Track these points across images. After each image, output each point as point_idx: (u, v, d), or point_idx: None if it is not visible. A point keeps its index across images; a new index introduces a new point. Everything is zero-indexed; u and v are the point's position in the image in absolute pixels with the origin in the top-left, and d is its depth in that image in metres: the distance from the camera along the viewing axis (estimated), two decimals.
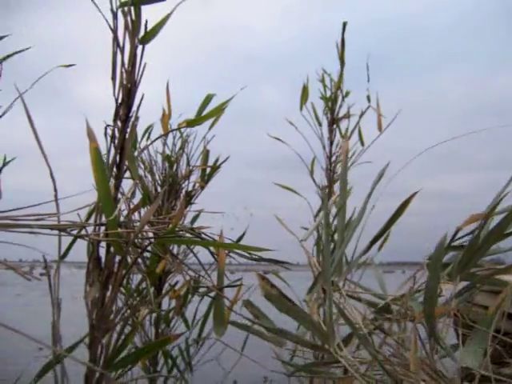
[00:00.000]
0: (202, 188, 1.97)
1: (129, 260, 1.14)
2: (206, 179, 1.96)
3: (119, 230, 0.93)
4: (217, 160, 1.99)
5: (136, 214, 1.47)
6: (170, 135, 1.95)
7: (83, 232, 1.06)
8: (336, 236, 3.04)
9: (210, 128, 1.85)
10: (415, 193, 1.28)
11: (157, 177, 1.91)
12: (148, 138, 1.79)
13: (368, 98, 2.73)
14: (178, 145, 1.92)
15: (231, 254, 1.27)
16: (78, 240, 1.12)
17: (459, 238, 1.14)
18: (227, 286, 1.21)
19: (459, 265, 0.99)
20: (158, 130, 1.90)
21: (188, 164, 1.90)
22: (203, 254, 1.37)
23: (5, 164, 2.06)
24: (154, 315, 1.91)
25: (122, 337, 1.15)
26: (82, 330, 1.20)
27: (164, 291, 1.94)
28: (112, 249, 1.04)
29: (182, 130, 1.97)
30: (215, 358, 2.15)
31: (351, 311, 1.25)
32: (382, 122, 2.70)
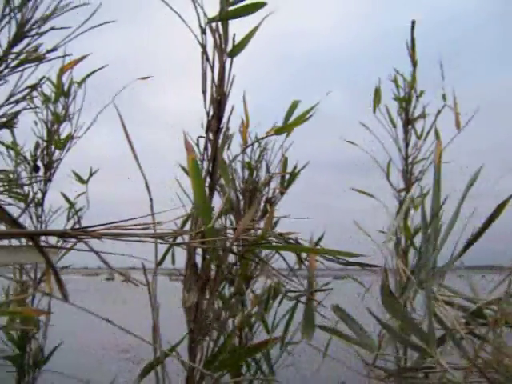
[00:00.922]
0: (282, 194, 2.00)
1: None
2: (285, 185, 1.99)
3: (218, 237, 0.97)
4: (295, 167, 2.01)
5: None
6: (249, 143, 2.00)
7: (179, 240, 1.11)
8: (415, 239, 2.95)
9: (288, 135, 1.88)
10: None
11: (237, 184, 1.96)
12: (228, 147, 1.85)
13: (444, 97, 2.64)
14: (257, 152, 1.96)
15: (318, 259, 1.28)
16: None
17: None
18: (318, 290, 1.22)
19: None
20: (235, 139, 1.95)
21: (268, 171, 1.94)
22: (286, 259, 1.39)
23: (91, 175, 2.20)
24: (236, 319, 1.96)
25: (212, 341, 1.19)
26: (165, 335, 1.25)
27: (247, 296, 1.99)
28: (208, 256, 1.08)
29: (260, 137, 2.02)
30: (292, 363, 2.16)
31: (445, 315, 1.22)
32: (459, 121, 2.60)
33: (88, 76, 1.74)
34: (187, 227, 1.47)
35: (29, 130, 2.05)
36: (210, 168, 1.09)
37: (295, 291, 1.23)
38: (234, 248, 1.05)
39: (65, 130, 2.06)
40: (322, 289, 1.26)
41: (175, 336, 1.28)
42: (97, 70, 1.63)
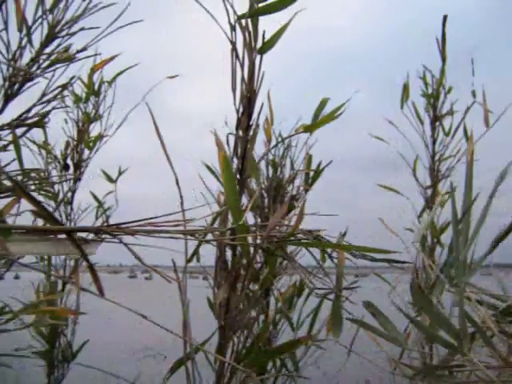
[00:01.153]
0: (306, 191, 1.99)
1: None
2: (309, 183, 1.98)
3: (249, 234, 0.97)
4: (319, 164, 2.00)
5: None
6: (273, 140, 1.99)
7: (209, 237, 1.12)
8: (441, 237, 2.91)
9: (312, 133, 1.87)
10: None
11: (261, 181, 1.96)
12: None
13: (473, 94, 2.59)
14: (281, 150, 1.96)
15: (347, 256, 1.27)
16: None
17: None
18: (347, 288, 1.21)
19: None
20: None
21: (292, 168, 1.93)
22: (309, 257, 1.38)
23: (120, 174, 2.23)
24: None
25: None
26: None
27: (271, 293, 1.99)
28: (238, 252, 1.08)
29: (284, 135, 2.01)
30: (317, 361, 2.15)
31: (475, 313, 1.20)
32: (489, 118, 2.55)
33: (118, 75, 1.77)
34: (215, 225, 1.48)
35: (59, 129, 2.09)
36: (240, 165, 1.09)
37: (323, 288, 1.22)
38: (265, 245, 1.06)
39: (94, 128, 2.10)
40: (350, 286, 1.25)
41: (199, 333, 1.28)
42: (127, 69, 1.66)
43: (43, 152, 2.00)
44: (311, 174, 2.07)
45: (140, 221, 0.92)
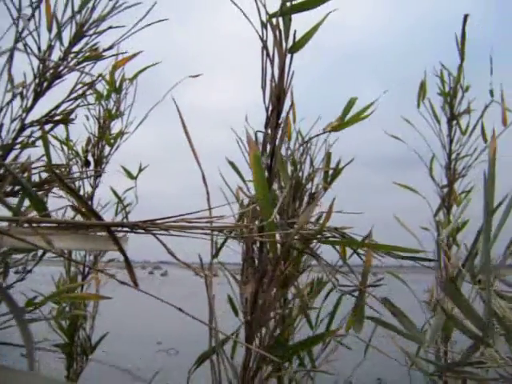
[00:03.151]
0: (326, 190, 2.00)
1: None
2: (328, 181, 1.99)
3: (279, 231, 0.99)
4: (339, 162, 2.01)
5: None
6: (293, 138, 2.01)
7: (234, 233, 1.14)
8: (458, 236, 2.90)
9: (331, 131, 1.88)
10: None
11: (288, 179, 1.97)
12: None
13: (491, 93, 2.58)
14: (301, 148, 1.96)
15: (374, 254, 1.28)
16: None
17: None
18: (372, 286, 1.23)
19: None
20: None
21: (311, 166, 1.94)
22: (328, 253, 1.40)
23: (140, 171, 2.26)
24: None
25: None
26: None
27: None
28: (266, 249, 1.10)
29: (304, 132, 2.02)
30: (326, 359, 2.16)
31: (498, 307, 1.21)
32: (507, 116, 2.54)
33: (140, 72, 1.79)
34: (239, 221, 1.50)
35: (80, 126, 2.11)
36: (269, 163, 1.10)
37: (348, 285, 1.24)
38: (294, 242, 1.07)
39: (115, 125, 2.13)
40: (375, 284, 1.26)
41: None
42: (149, 67, 1.67)
43: (65, 148, 2.03)
44: (330, 172, 2.08)
45: (173, 217, 0.94)
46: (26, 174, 1.36)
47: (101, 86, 1.98)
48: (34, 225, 0.76)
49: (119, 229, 0.98)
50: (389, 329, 1.24)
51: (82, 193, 2.09)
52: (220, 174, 1.66)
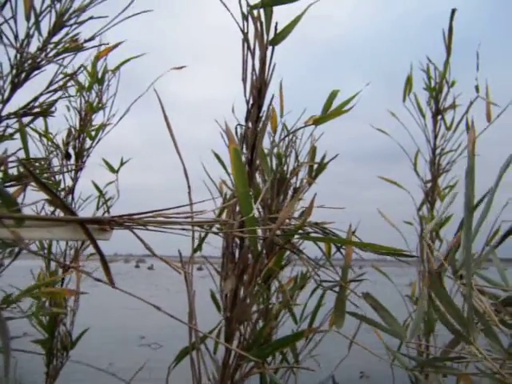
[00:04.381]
0: (310, 184, 1.99)
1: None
2: (313, 175, 1.97)
3: (259, 227, 0.97)
4: (323, 157, 1.99)
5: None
6: (278, 131, 1.99)
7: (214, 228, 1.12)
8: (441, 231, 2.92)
9: (313, 124, 1.87)
10: None
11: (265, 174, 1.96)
12: None
13: (477, 89, 2.58)
14: (286, 141, 1.95)
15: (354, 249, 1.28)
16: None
17: None
18: (353, 281, 1.22)
19: None
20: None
21: (296, 160, 1.93)
22: (311, 248, 1.39)
23: (122, 164, 2.22)
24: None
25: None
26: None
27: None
28: (245, 244, 1.08)
29: (289, 126, 2.01)
30: (319, 353, 2.16)
31: (478, 303, 1.21)
32: (491, 112, 2.55)
33: (123, 63, 1.75)
34: (222, 216, 1.48)
35: (60, 118, 2.07)
36: (249, 157, 1.09)
37: (329, 281, 1.23)
38: (275, 238, 1.06)
39: (96, 117, 2.09)
40: (357, 279, 1.26)
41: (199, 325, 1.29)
42: (132, 58, 1.64)
43: (44, 140, 1.99)
44: (315, 166, 2.07)
45: (151, 212, 0.92)
46: (2, 168, 1.33)
47: (82, 77, 1.95)
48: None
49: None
50: (370, 324, 1.23)
51: (62, 186, 2.05)
52: (203, 168, 1.64)
